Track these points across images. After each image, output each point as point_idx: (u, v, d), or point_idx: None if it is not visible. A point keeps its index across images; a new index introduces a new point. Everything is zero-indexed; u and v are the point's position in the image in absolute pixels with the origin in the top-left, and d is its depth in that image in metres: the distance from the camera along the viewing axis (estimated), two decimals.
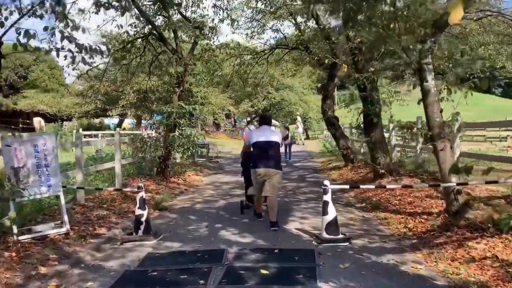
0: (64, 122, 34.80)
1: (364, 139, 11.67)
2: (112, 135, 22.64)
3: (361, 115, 8.50)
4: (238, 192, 8.96)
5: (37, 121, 35.80)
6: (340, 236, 4.90)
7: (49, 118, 35.20)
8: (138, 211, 5.38)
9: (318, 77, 40.88)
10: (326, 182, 5.02)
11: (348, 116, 12.48)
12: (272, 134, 5.73)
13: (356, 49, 7.68)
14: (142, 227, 5.34)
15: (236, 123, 42.48)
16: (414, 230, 5.28)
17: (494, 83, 69.79)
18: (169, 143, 9.74)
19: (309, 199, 7.83)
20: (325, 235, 4.88)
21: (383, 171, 8.04)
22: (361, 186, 5.59)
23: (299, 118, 28.85)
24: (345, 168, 11.59)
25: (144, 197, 5.46)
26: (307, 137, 40.70)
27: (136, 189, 5.48)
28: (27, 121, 35.71)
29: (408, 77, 7.05)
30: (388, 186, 6.04)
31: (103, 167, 9.18)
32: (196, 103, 9.74)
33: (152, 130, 10.82)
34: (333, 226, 4.89)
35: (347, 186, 5.68)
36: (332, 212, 4.92)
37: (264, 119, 5.99)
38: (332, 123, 11.86)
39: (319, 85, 56.25)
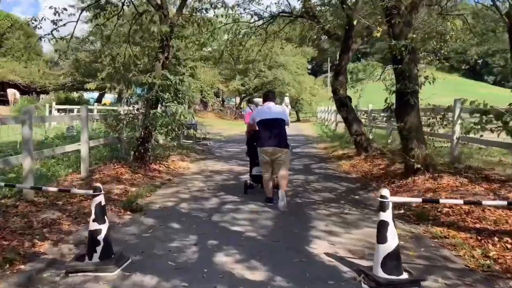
0: (41, 95, 32.26)
1: (390, 125, 9.98)
2: (91, 110, 20.50)
3: (393, 95, 6.69)
4: (233, 185, 7.18)
5: (11, 93, 33.00)
6: (404, 276, 3.17)
7: (24, 90, 32.51)
8: (93, 225, 3.54)
9: (313, 55, 39.53)
10: (385, 192, 3.24)
11: (355, 96, 10.81)
12: (278, 111, 5.62)
13: (394, 8, 5.84)
14: (99, 249, 3.51)
15: (225, 102, 40.69)
16: (501, 261, 3.58)
17: (487, 70, 68.93)
18: (150, 122, 7.85)
19: (326, 200, 6.09)
20: (381, 273, 3.14)
21: (419, 165, 6.33)
22: (443, 201, 3.60)
23: (286, 100, 27.16)
24: (357, 158, 9.90)
25: (103, 203, 3.61)
26: (298, 119, 39.88)
27: (91, 192, 3.62)
28: (2, 92, 32.94)
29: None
30: (486, 203, 3.97)
31: (63, 150, 7.25)
32: (184, 74, 7.79)
33: (130, 106, 8.85)
34: (393, 260, 3.16)
35: (417, 200, 3.65)
36: (392, 240, 3.17)
37: (268, 96, 5.83)
38: (344, 104, 10.10)
39: (312, 64, 54.63)
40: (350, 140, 11.83)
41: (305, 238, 4.28)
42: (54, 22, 8.81)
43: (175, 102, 7.97)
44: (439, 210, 5.14)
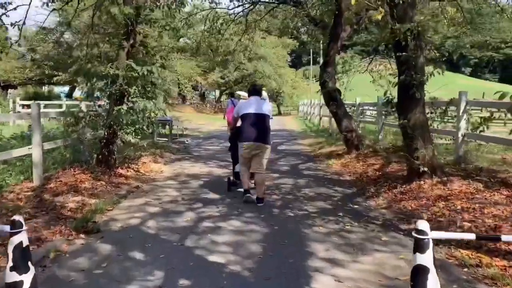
0: (9, 90, 30.31)
1: (380, 119, 9.21)
2: (60, 106, 19.02)
3: (395, 88, 5.81)
4: (213, 193, 6.18)
5: None
6: None
7: None
8: (11, 276, 2.48)
9: (294, 47, 38.86)
10: (423, 225, 2.28)
11: (341, 89, 10.04)
12: (262, 105, 5.59)
13: None
14: None
15: (205, 96, 39.57)
16: None
17: (464, 62, 69.68)
18: (114, 120, 6.76)
19: (322, 212, 5.18)
20: None
21: (425, 168, 5.48)
22: (505, 238, 2.52)
23: (264, 93, 26.40)
24: (348, 157, 9.06)
25: (26, 243, 2.55)
26: (279, 113, 39.59)
27: (6, 228, 2.54)
28: None
29: None
30: None
31: (9, 156, 6.08)
32: (154, 65, 6.71)
33: (94, 102, 7.69)
34: None
35: (471, 236, 2.31)
36: None
37: (254, 90, 5.82)
38: (333, 98, 9.22)
39: (292, 56, 53.97)
40: (338, 136, 11.03)
41: (303, 272, 3.34)
42: (2, 6, 7.54)
43: (144, 97, 6.87)
44: (458, 225, 4.28)
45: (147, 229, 4.56)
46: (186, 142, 13.16)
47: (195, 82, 29.23)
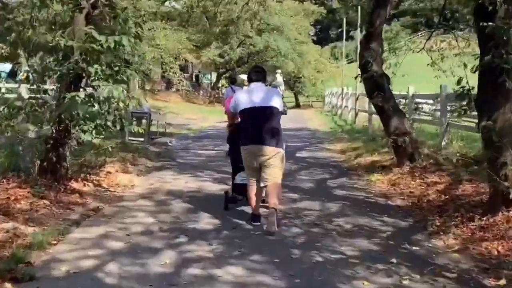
0: None
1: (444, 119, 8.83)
2: None
3: (475, 74, 5.39)
4: (203, 221, 5.80)
5: None
6: None
7: None
8: None
9: (319, 16, 38.54)
10: None
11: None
12: (269, 95, 5.72)
13: None
14: None
15: (200, 80, 39.45)
16: None
17: None
18: (65, 112, 6.42)
19: (367, 257, 4.74)
20: None
21: None
22: None
23: (279, 78, 26.28)
24: (398, 170, 8.66)
25: None
26: (297, 105, 39.98)
27: None
28: None
29: None
30: None
31: None
32: (126, 34, 6.35)
33: (38, 85, 7.32)
34: None
35: None
36: None
37: (255, 74, 5.90)
38: (379, 86, 8.79)
39: (317, 28, 53.43)
40: (382, 140, 10.61)
41: None
42: None
43: (110, 80, 6.52)
44: None
45: (105, 276, 4.15)
46: (170, 144, 12.93)
47: (183, 61, 28.98)
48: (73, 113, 6.53)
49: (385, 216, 6.24)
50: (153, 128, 14.08)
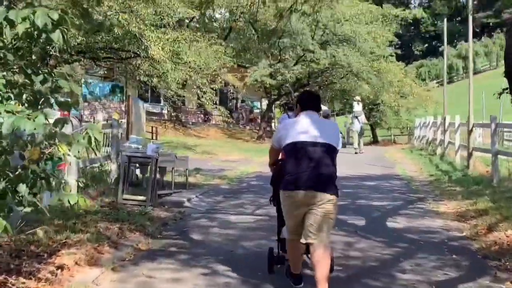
0: None
1: None
2: None
3: None
4: None
5: None
6: None
7: None
8: None
9: (402, 23, 36.65)
10: None
11: None
12: (323, 128, 5.76)
13: None
14: None
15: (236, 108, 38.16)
16: None
17: None
18: None
19: None
20: None
21: None
22: None
23: (357, 107, 26.62)
24: None
25: None
26: (375, 140, 39.83)
27: None
28: None
29: None
30: None
31: None
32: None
33: None
34: None
35: None
36: None
37: (306, 101, 6.03)
38: None
39: (396, 44, 51.54)
40: None
41: None
42: None
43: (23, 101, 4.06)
44: None
45: None
46: (186, 204, 10.51)
47: (221, 83, 27.30)
48: None
49: None
50: (167, 178, 12.13)
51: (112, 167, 11.28)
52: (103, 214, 8.77)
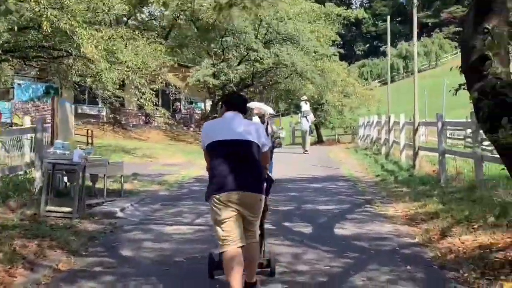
0: None
1: None
2: None
3: None
4: None
5: None
6: None
7: None
8: None
9: (343, 23, 36.87)
10: None
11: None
12: (244, 127, 5.82)
13: None
14: None
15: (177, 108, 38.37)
16: None
17: None
18: None
19: None
20: None
21: None
22: None
23: (305, 106, 26.72)
24: None
25: None
26: (320, 140, 39.91)
27: None
28: None
29: None
30: None
31: None
32: None
33: None
34: None
35: None
36: None
37: (230, 103, 6.05)
38: (508, 106, 5.50)
39: (339, 44, 51.97)
40: (479, 194, 9.75)
41: None
42: None
43: None
44: None
45: None
46: (118, 214, 9.84)
47: (162, 83, 26.60)
48: None
49: None
50: (98, 185, 11.31)
51: (36, 175, 10.38)
52: (22, 228, 7.96)
